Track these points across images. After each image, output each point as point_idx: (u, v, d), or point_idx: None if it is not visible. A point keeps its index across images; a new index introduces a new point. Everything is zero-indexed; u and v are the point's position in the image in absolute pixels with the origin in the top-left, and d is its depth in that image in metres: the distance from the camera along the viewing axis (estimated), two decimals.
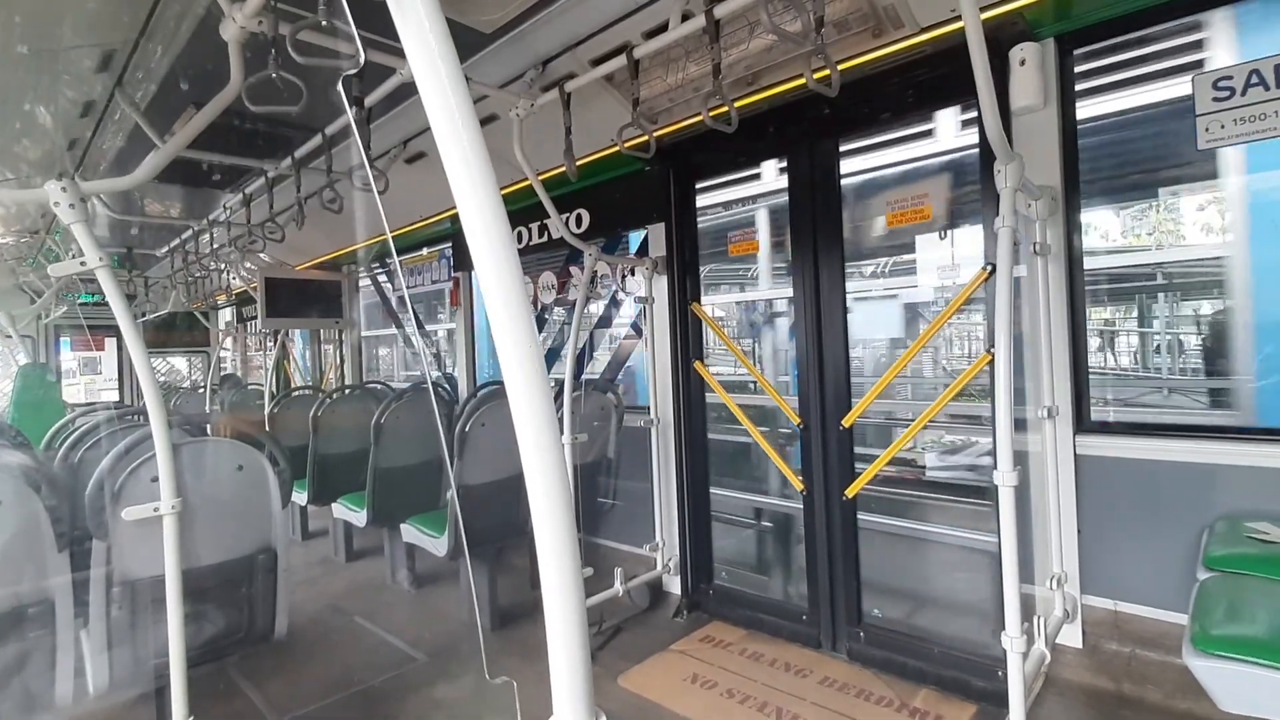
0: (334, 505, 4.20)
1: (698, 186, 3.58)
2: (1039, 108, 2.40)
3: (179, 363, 9.85)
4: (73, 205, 1.88)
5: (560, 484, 0.65)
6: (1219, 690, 1.44)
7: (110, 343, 9.20)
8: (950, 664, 2.60)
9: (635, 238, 3.94)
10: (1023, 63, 2.38)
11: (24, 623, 1.96)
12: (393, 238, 5.29)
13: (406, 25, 0.71)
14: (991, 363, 2.39)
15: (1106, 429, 2.49)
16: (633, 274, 3.86)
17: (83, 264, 1.88)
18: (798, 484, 3.07)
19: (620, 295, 4.34)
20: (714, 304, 5.96)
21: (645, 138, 2.60)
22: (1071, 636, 2.48)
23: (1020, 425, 2.46)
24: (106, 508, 2.00)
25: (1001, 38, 2.40)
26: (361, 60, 1.00)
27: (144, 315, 7.57)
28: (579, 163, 2.82)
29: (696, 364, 3.49)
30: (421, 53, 0.71)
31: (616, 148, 2.66)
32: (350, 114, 1.56)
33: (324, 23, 1.81)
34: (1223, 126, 2.20)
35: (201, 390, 6.69)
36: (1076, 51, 2.48)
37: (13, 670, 1.95)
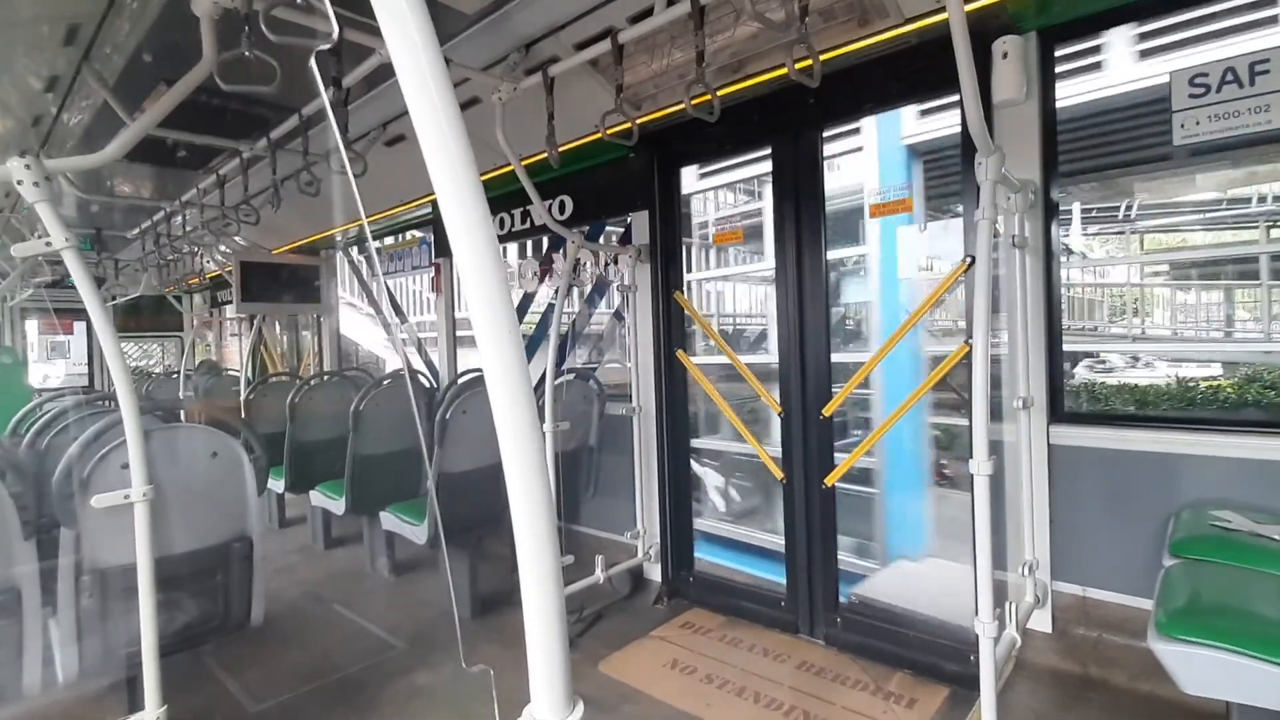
0: (312, 493, 4.16)
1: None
2: (1020, 101, 2.41)
3: (151, 347, 9.65)
4: (37, 184, 1.82)
5: (539, 475, 0.65)
6: (1181, 673, 1.48)
7: (79, 326, 8.98)
8: (924, 649, 2.65)
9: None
10: (1005, 56, 2.39)
11: None
12: (372, 222, 5.20)
13: (383, 2, 0.69)
14: (969, 353, 2.42)
15: (1079, 419, 2.54)
16: (615, 262, 3.84)
17: (48, 244, 1.82)
18: (777, 472, 3.09)
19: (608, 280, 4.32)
20: None
21: (628, 124, 2.58)
22: (1041, 621, 2.54)
23: (996, 415, 2.49)
24: (75, 495, 1.95)
25: (985, 30, 2.40)
26: (335, 35, 0.97)
27: (114, 299, 7.38)
28: (563, 148, 2.79)
29: (679, 353, 3.49)
30: (398, 31, 0.69)
31: (600, 134, 2.64)
32: (326, 95, 1.51)
33: (299, 0, 1.76)
34: (1198, 123, 2.24)
35: (175, 376, 6.56)
36: (1057, 46, 2.50)
37: None
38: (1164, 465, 2.33)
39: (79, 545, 1.97)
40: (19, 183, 1.81)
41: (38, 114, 3.31)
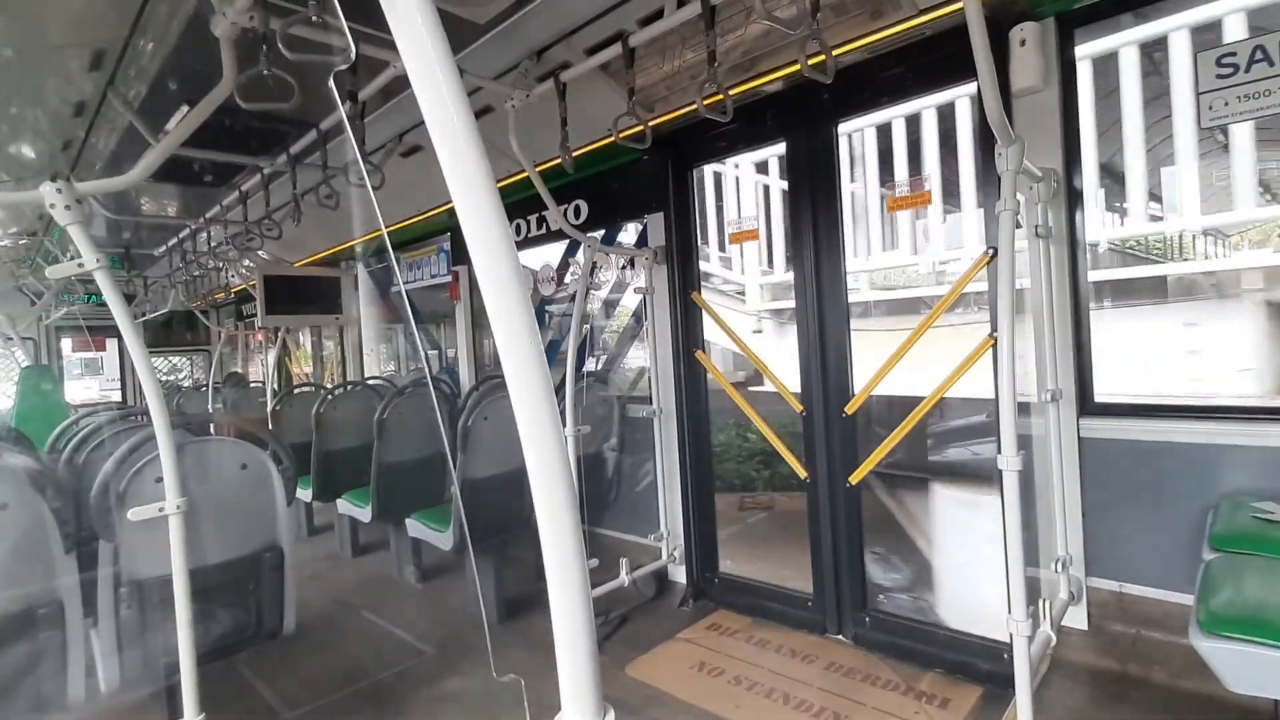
0: (339, 501, 4.22)
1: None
2: (1040, 89, 2.37)
3: (180, 361, 9.87)
4: (69, 206, 1.87)
5: (564, 483, 0.65)
6: (1226, 671, 1.44)
7: (112, 343, 9.22)
8: (956, 647, 2.61)
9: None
10: (1023, 43, 2.35)
11: (34, 624, 1.96)
12: (390, 232, 5.26)
13: (397, 17, 0.70)
14: (994, 346, 2.38)
15: (1110, 411, 2.48)
16: (632, 265, 3.85)
17: (80, 265, 1.87)
18: (801, 471, 3.07)
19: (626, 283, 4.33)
20: None
21: (641, 127, 2.58)
22: (1077, 619, 2.48)
23: (1024, 409, 2.45)
24: (112, 509, 2.00)
25: (1001, 17, 2.37)
26: (353, 55, 0.99)
27: (144, 315, 7.57)
28: (576, 153, 2.80)
29: (697, 353, 3.48)
30: (413, 45, 0.70)
31: (613, 137, 2.64)
32: (343, 110, 1.52)
33: (315, 18, 1.79)
34: (1226, 104, 2.18)
35: (204, 389, 6.70)
36: (1078, 30, 2.45)
37: (25, 670, 1.96)
38: (1201, 456, 2.27)
39: (117, 557, 2.02)
40: (52, 206, 1.86)
41: (67, 138, 3.41)
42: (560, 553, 0.65)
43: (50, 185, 1.86)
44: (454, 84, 0.70)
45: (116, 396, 9.33)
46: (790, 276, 3.47)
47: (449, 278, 5.27)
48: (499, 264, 0.70)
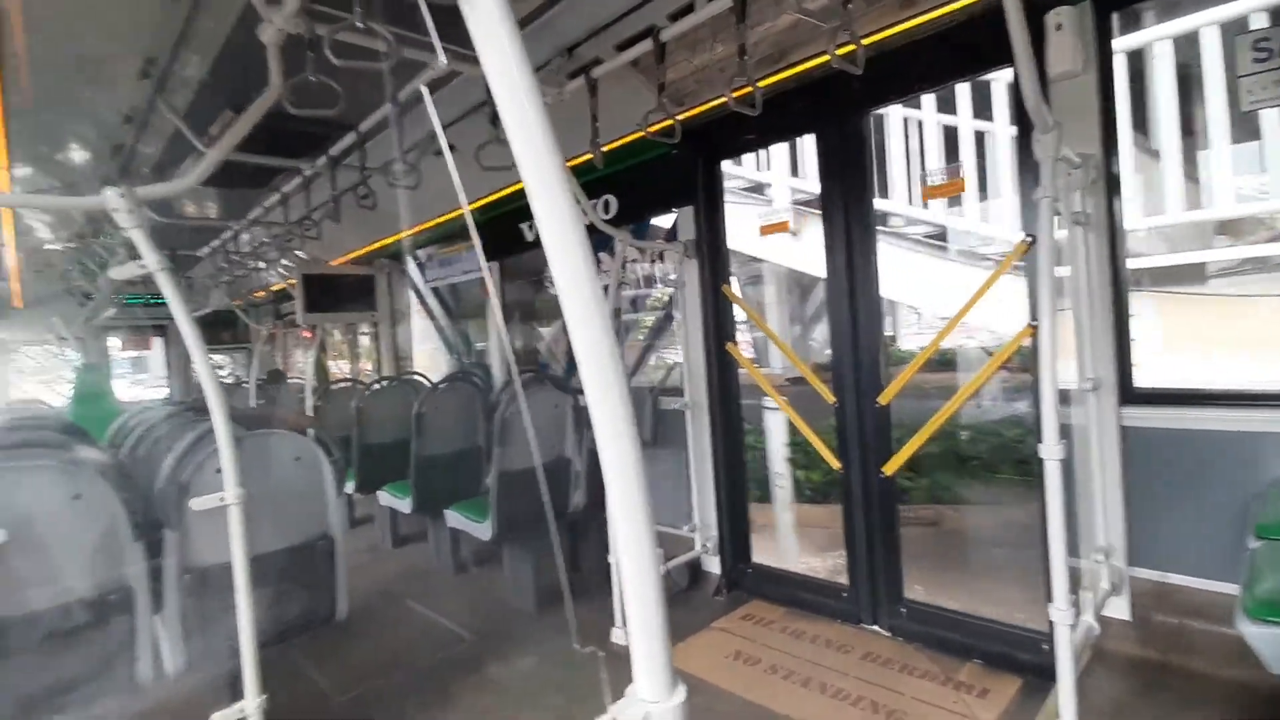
0: (379, 493, 4.33)
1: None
2: (1077, 73, 2.34)
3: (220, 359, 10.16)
4: (130, 211, 1.96)
5: (634, 467, 0.69)
6: (1271, 656, 1.43)
7: (157, 341, 9.53)
8: (995, 638, 2.61)
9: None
10: (1059, 27, 2.32)
11: (107, 609, 2.07)
12: (422, 231, 5.35)
13: (476, 21, 0.74)
14: (1034, 335, 2.36)
15: (1152, 399, 2.44)
16: (662, 259, 3.87)
17: (143, 267, 1.96)
18: (834, 462, 3.07)
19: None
20: None
21: (670, 121, 2.60)
22: (1119, 609, 2.46)
23: (1064, 397, 2.43)
24: (175, 499, 2.10)
25: (1036, 2, 2.33)
26: (442, 64, 1.03)
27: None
28: (606, 148, 2.83)
29: (728, 345, 3.50)
30: (490, 44, 0.74)
31: (643, 132, 2.66)
32: (436, 121, 1.50)
33: (360, 24, 1.84)
34: (1264, 88, 2.13)
35: (245, 385, 6.91)
36: (1114, 12, 2.41)
37: (99, 653, 2.07)
38: (1244, 444, 2.23)
39: (181, 546, 2.12)
40: (114, 210, 1.94)
41: (117, 144, 3.54)
42: (632, 531, 0.69)
43: (113, 190, 1.94)
44: (528, 80, 0.74)
45: (154, 394, 9.64)
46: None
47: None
48: (573, 256, 0.73)
